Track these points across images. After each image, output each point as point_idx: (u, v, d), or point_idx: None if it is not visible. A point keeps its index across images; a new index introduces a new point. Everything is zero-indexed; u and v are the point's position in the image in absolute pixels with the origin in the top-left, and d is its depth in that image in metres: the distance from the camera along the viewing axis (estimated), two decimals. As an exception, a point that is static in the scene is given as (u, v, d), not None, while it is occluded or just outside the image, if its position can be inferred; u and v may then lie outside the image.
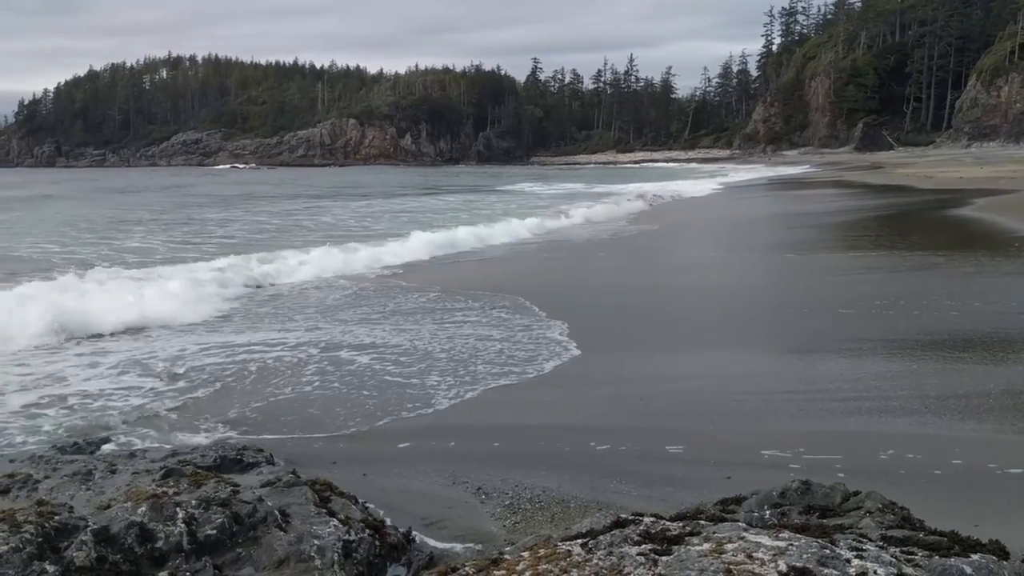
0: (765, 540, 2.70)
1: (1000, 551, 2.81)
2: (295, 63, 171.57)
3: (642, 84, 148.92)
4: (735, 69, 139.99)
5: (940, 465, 5.11)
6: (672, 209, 32.45)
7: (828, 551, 2.61)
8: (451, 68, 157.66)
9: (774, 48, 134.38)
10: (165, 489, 3.57)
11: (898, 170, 51.02)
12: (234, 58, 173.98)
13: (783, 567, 2.49)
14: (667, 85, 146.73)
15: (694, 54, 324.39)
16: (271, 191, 53.24)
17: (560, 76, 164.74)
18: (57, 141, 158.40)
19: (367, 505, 4.08)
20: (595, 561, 2.67)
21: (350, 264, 15.75)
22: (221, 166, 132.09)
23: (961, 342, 8.28)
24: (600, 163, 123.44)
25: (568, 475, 5.14)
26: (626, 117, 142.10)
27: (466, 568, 2.81)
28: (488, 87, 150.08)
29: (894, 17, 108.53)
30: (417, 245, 18.37)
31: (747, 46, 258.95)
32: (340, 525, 3.58)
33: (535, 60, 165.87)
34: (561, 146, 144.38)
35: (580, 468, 5.28)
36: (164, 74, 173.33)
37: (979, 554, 2.72)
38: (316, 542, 3.42)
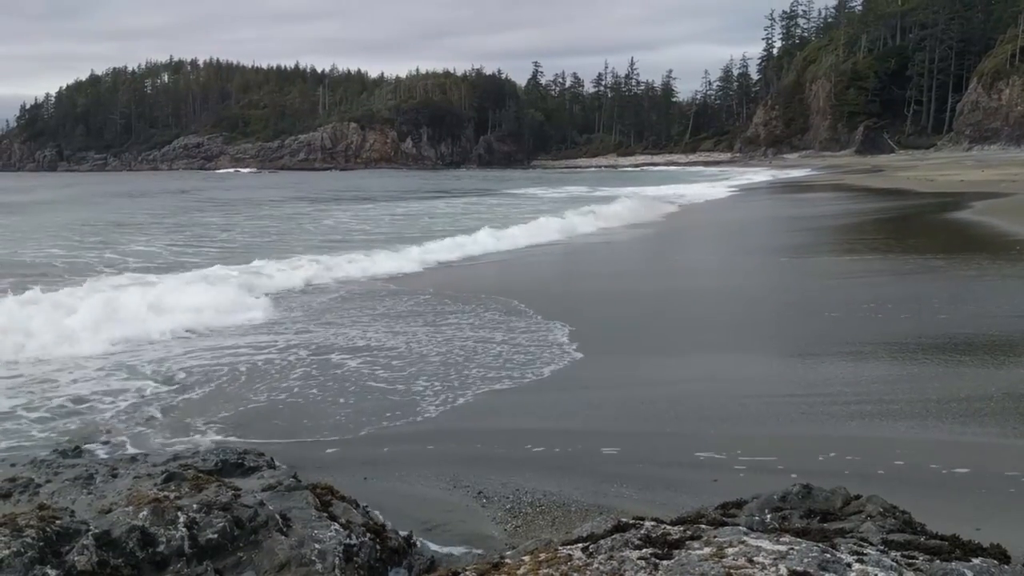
0: (766, 544, 2.70)
1: (1001, 555, 2.81)
2: (296, 67, 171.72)
3: (643, 87, 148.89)
4: (736, 72, 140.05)
5: (941, 469, 5.10)
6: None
7: (829, 555, 2.61)
8: (452, 72, 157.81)
9: (775, 51, 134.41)
10: (166, 493, 3.57)
11: (899, 173, 50.99)
12: (235, 62, 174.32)
13: (784, 571, 2.49)
14: (668, 88, 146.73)
15: (695, 57, 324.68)
16: (289, 195, 52.91)
17: (561, 80, 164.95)
18: (59, 145, 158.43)
19: (368, 509, 4.08)
20: (596, 565, 2.67)
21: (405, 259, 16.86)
22: (223, 170, 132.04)
23: (962, 345, 8.27)
24: (601, 166, 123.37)
25: (569, 479, 5.14)
26: (627, 120, 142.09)
27: (467, 572, 2.81)
28: (489, 91, 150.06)
29: (895, 20, 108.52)
30: (451, 245, 19.07)
31: (748, 49, 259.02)
32: (341, 529, 3.58)
33: (536, 64, 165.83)
34: (562, 150, 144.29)
35: (581, 472, 5.28)
36: (166, 78, 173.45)
37: (980, 558, 2.72)
38: (317, 546, 3.42)
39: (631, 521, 3.10)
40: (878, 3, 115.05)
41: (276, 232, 26.46)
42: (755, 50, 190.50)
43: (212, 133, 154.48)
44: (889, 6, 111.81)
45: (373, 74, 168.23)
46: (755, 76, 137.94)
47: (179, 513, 3.36)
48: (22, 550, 3.03)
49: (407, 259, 17.09)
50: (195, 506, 3.44)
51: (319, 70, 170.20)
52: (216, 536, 3.33)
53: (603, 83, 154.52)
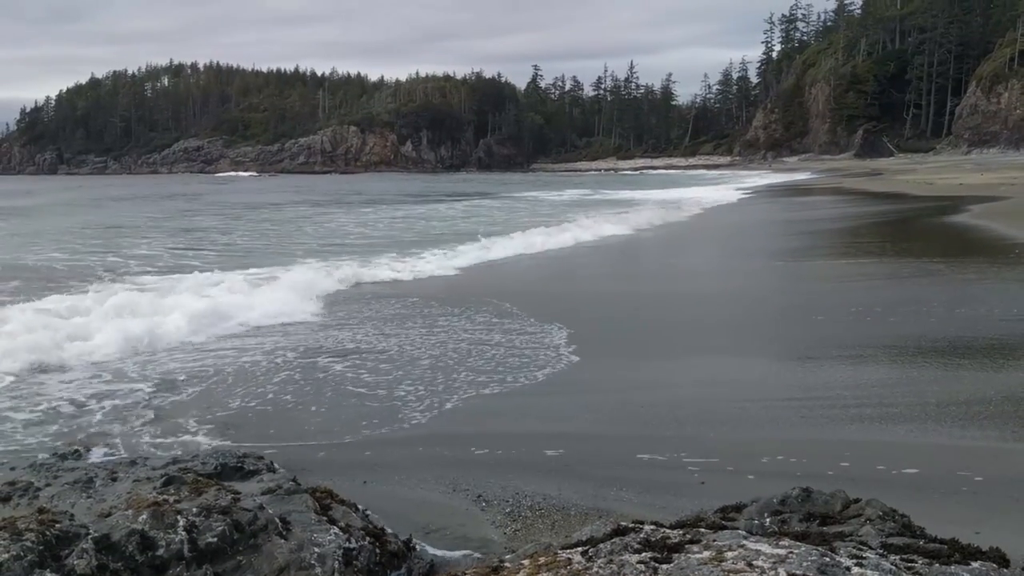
0: (765, 548, 2.70)
1: (1001, 559, 2.81)
2: (296, 70, 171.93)
3: (642, 91, 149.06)
4: (735, 76, 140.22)
5: (941, 472, 5.10)
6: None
7: (828, 559, 2.61)
8: (452, 75, 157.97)
9: (774, 55, 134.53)
10: (166, 497, 3.57)
11: (897, 177, 51.03)
12: (235, 65, 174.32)
13: (783, 575, 2.49)
14: (667, 92, 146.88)
15: (694, 61, 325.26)
16: (291, 198, 52.68)
17: (560, 83, 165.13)
18: (59, 149, 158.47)
19: (367, 513, 4.08)
20: (595, 569, 2.67)
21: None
22: (224, 173, 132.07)
23: (961, 349, 8.28)
24: (601, 170, 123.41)
25: (569, 482, 5.14)
26: (626, 124, 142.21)
27: (466, 575, 2.82)
28: (489, 94, 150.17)
29: (894, 24, 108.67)
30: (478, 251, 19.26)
31: (747, 53, 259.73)
32: (341, 533, 3.58)
33: (535, 67, 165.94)
34: (561, 153, 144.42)
35: (581, 475, 5.28)
36: (166, 82, 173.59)
37: (979, 562, 2.72)
38: (317, 550, 3.42)
39: (630, 525, 3.10)
40: (877, 7, 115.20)
41: (276, 235, 26.48)
42: (754, 53, 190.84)
43: (212, 136, 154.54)
44: (888, 10, 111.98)
45: (373, 77, 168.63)
46: (754, 79, 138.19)
47: (179, 517, 3.36)
48: (21, 554, 3.03)
49: (440, 262, 17.32)
50: (195, 510, 3.44)
51: (319, 73, 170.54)
52: (216, 540, 3.33)
53: (603, 86, 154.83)
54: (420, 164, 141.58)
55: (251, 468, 4.49)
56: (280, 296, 12.16)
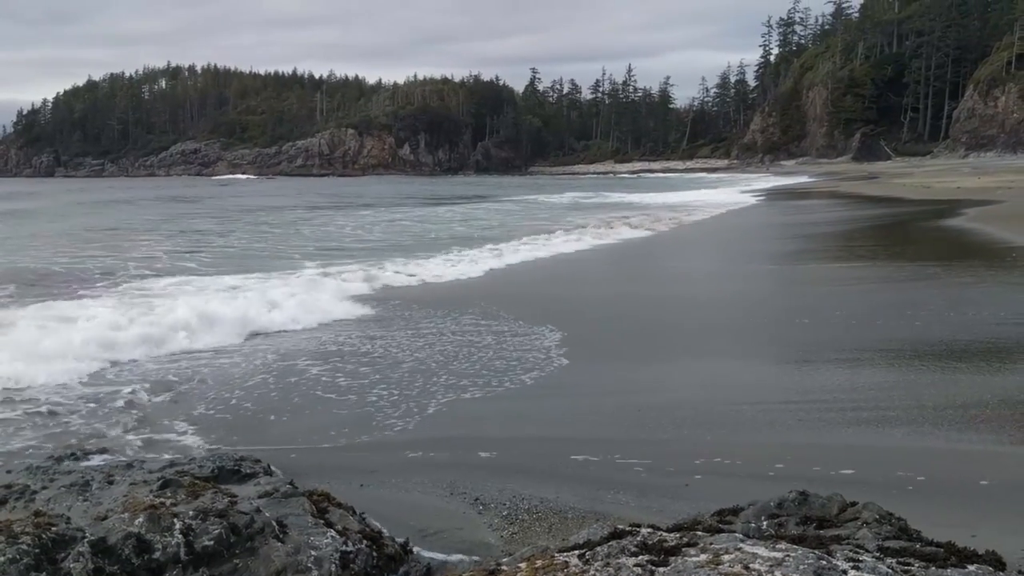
0: (762, 551, 2.70)
1: (997, 562, 2.82)
2: (294, 73, 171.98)
3: (640, 94, 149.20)
4: (733, 79, 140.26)
5: (937, 475, 5.11)
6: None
7: (825, 562, 2.62)
8: (450, 78, 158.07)
9: (772, 58, 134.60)
10: (162, 500, 3.57)
11: (895, 180, 51.11)
12: (233, 68, 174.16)
13: (780, 578, 2.49)
14: (665, 95, 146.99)
15: (692, 64, 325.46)
16: (291, 202, 52.39)
17: (559, 86, 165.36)
18: (56, 151, 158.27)
19: (365, 516, 4.08)
20: (592, 572, 2.67)
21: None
22: (224, 176, 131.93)
23: (958, 352, 8.29)
24: (599, 173, 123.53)
25: (566, 486, 5.13)
26: (624, 127, 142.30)
27: (463, 579, 2.82)
28: (487, 97, 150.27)
29: (891, 27, 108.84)
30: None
31: (745, 56, 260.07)
32: (337, 536, 3.58)
33: (533, 70, 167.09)
34: (559, 156, 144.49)
35: (578, 479, 5.28)
36: (163, 84, 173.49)
37: (976, 565, 2.73)
38: (313, 553, 3.42)
39: (627, 528, 3.10)
40: (875, 10, 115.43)
41: (279, 237, 26.45)
42: (752, 57, 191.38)
43: (209, 139, 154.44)
44: (886, 13, 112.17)
45: (371, 80, 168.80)
46: (752, 83, 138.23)
47: (175, 520, 3.36)
48: (17, 557, 3.03)
49: (464, 267, 17.38)
50: (191, 513, 3.43)
51: (317, 76, 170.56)
52: (212, 543, 3.33)
53: (600, 89, 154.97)
54: (418, 167, 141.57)
55: (248, 471, 4.49)
56: (308, 299, 12.24)
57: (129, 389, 7.75)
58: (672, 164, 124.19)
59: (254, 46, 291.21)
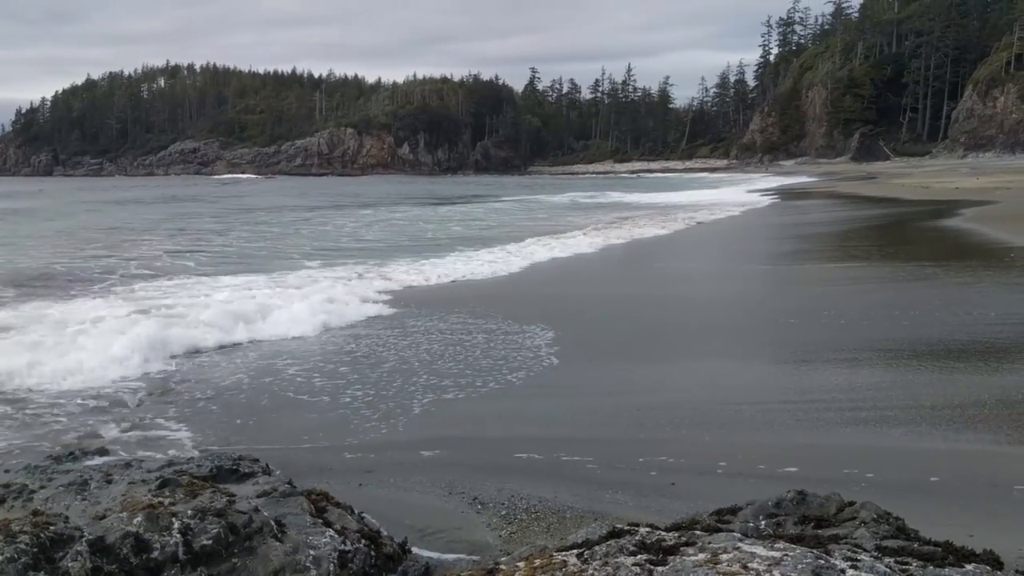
0: (760, 550, 2.70)
1: (994, 561, 2.82)
2: (293, 72, 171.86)
3: (639, 94, 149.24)
4: (732, 79, 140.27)
5: (935, 475, 5.12)
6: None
7: (823, 561, 2.62)
8: (449, 77, 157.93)
9: (771, 58, 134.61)
10: (161, 499, 3.57)
11: (894, 181, 51.13)
12: (232, 67, 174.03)
13: (778, 577, 2.50)
14: (664, 95, 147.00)
15: (692, 64, 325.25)
16: (294, 202, 52.22)
17: (558, 86, 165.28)
18: (54, 150, 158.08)
19: (363, 515, 4.08)
20: (591, 571, 2.67)
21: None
22: (225, 175, 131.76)
23: (956, 352, 8.30)
24: (598, 172, 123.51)
25: (564, 485, 5.14)
26: (623, 127, 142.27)
27: (461, 578, 2.82)
28: (486, 96, 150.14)
29: (891, 28, 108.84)
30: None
31: (744, 56, 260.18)
32: (336, 535, 3.57)
33: (533, 70, 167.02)
34: (559, 156, 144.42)
35: (577, 478, 5.29)
36: (162, 83, 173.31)
37: (973, 564, 2.73)
38: (312, 552, 3.42)
39: (626, 527, 3.10)
40: (874, 10, 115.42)
41: (278, 236, 26.44)
42: (752, 56, 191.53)
43: (208, 138, 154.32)
44: (885, 13, 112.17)
45: (370, 79, 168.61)
46: (752, 83, 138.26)
47: (173, 519, 3.36)
48: (15, 556, 3.02)
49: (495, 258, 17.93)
50: (189, 512, 3.43)
51: (316, 75, 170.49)
52: (211, 542, 3.32)
53: (600, 89, 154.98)
54: (417, 166, 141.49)
55: (247, 470, 4.48)
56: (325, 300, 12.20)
57: (131, 389, 7.75)
58: (671, 164, 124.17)
59: (253, 45, 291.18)
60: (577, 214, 35.21)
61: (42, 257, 19.56)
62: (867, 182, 53.56)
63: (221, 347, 9.61)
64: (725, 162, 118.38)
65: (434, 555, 4.11)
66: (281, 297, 12.57)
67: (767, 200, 41.77)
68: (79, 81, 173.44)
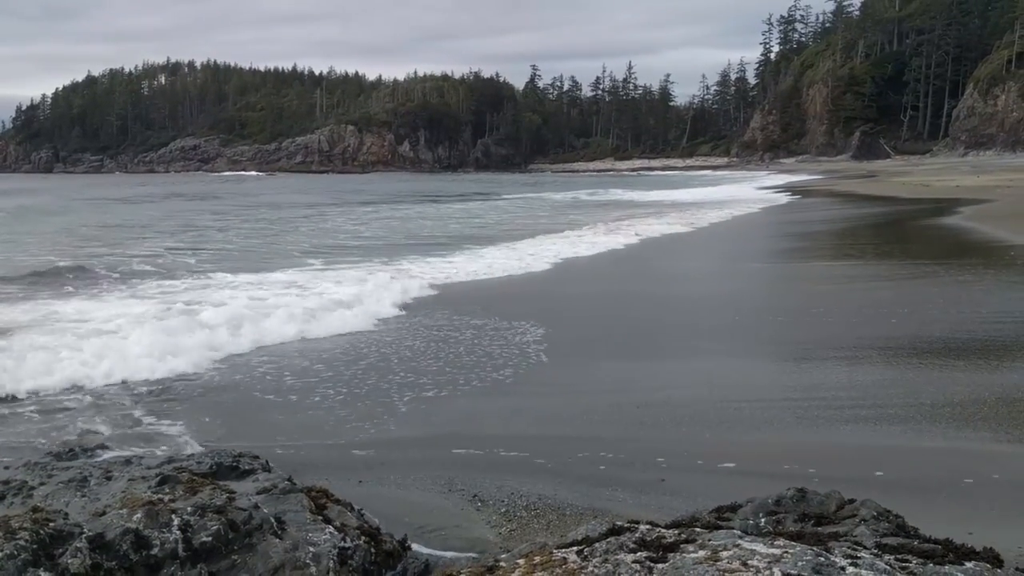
0: (760, 548, 2.70)
1: (994, 559, 2.82)
2: (294, 69, 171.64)
3: (640, 92, 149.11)
4: (733, 77, 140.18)
5: (935, 473, 5.12)
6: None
7: (823, 559, 2.61)
8: (450, 75, 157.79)
9: (772, 56, 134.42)
10: (160, 496, 3.56)
11: (894, 179, 51.11)
12: (233, 64, 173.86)
13: (778, 574, 2.49)
14: (665, 93, 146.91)
15: (692, 62, 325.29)
16: (301, 199, 52.26)
17: (559, 83, 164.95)
18: (55, 147, 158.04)
19: (363, 512, 4.08)
20: (590, 568, 2.67)
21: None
22: (226, 172, 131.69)
23: (956, 350, 8.30)
24: (598, 170, 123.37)
25: (564, 483, 5.14)
26: (624, 125, 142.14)
27: (461, 575, 2.81)
28: (487, 94, 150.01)
29: (892, 26, 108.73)
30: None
31: (745, 54, 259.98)
32: (336, 532, 3.57)
33: (534, 67, 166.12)
34: (559, 153, 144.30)
35: (577, 476, 5.29)
36: (162, 80, 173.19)
37: (973, 562, 2.72)
38: (312, 549, 3.42)
39: (626, 524, 3.10)
40: (875, 8, 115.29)
41: (279, 234, 26.44)
42: (753, 55, 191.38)
43: (209, 135, 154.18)
44: (887, 11, 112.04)
45: (371, 77, 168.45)
46: (752, 81, 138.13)
47: (173, 516, 3.36)
48: (15, 552, 3.02)
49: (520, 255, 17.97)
50: (189, 509, 3.43)
51: (316, 72, 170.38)
52: (210, 539, 3.32)
53: (601, 87, 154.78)
54: (417, 164, 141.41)
55: (246, 467, 4.48)
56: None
57: (133, 389, 7.76)
58: (672, 162, 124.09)
59: (253, 42, 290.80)
60: (580, 212, 35.19)
61: (68, 252, 19.46)
62: (868, 180, 53.51)
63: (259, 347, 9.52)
64: (726, 160, 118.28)
65: (434, 552, 4.11)
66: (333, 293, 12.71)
67: (784, 198, 41.56)
68: (79, 78, 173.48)
